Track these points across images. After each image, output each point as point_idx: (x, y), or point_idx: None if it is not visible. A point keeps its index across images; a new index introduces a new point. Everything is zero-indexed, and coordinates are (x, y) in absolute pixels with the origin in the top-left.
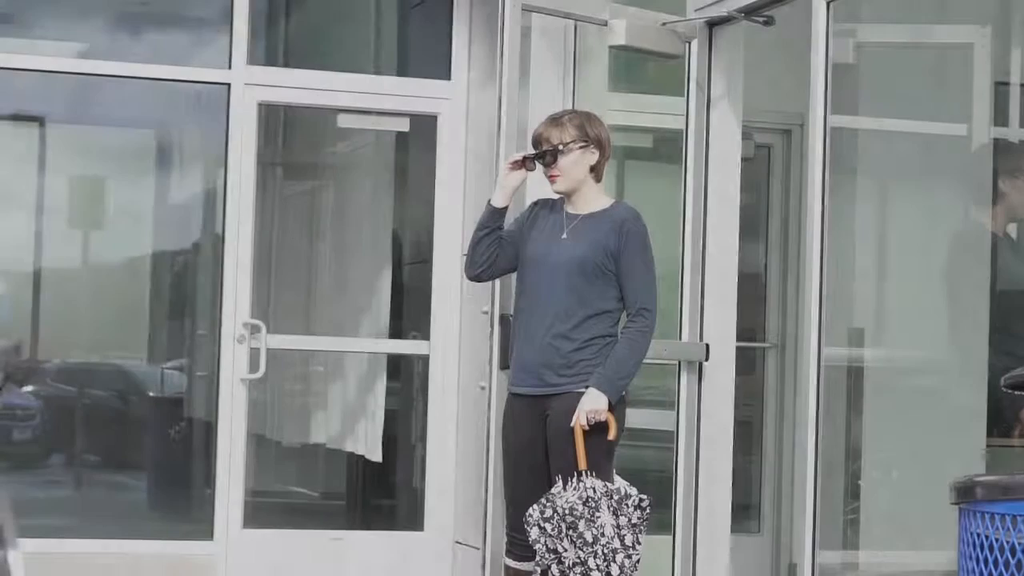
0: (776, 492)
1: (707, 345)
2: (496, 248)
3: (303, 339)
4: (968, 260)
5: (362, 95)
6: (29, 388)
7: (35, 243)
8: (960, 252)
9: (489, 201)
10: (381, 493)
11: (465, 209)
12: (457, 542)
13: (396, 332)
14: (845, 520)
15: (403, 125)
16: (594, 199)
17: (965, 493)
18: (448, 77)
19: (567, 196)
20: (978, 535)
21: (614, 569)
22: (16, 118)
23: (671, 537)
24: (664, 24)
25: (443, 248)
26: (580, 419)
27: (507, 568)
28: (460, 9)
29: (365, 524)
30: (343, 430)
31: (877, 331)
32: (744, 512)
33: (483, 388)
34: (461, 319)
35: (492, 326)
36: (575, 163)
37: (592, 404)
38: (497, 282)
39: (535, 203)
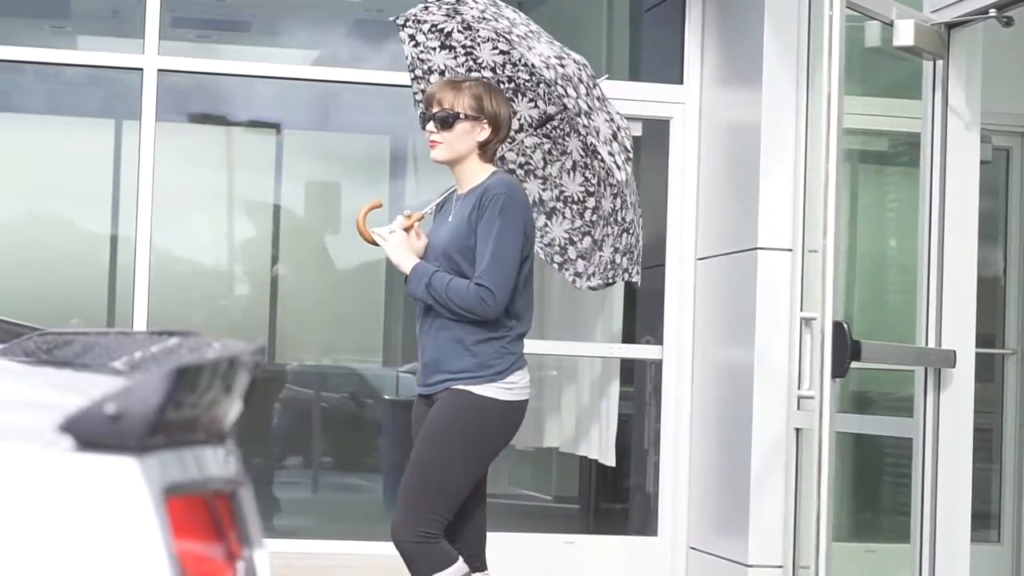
0: (1016, 501)
1: (954, 352)
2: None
3: (536, 343)
4: None
5: None
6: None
7: (272, 247)
8: None
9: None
10: (614, 497)
11: (698, 213)
12: (691, 547)
13: (629, 337)
14: None
15: (636, 130)
16: (476, 176)
17: None
18: (681, 81)
19: (451, 169)
20: None
21: None
22: (254, 124)
23: (910, 546)
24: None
25: (676, 252)
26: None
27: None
28: (693, 13)
29: (598, 528)
30: (576, 434)
31: None
32: (983, 521)
33: (811, 397)
34: (694, 323)
35: (823, 333)
36: (462, 135)
37: (393, 253)
38: (830, 287)
39: (440, 197)
